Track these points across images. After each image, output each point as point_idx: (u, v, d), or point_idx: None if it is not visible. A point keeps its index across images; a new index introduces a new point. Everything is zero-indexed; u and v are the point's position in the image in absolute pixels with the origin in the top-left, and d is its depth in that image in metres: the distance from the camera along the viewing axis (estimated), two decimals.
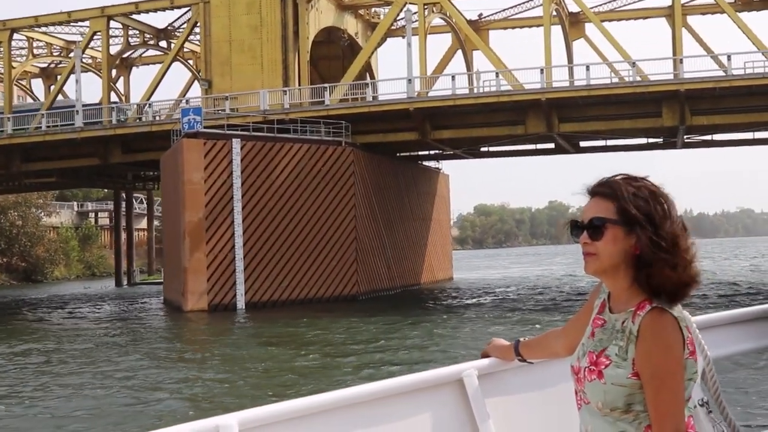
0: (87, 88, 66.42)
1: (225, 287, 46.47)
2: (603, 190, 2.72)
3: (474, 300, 49.43)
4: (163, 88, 60.69)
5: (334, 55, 65.82)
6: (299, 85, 55.26)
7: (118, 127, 56.18)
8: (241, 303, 46.57)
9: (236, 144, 47.03)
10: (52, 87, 68.90)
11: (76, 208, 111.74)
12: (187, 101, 54.44)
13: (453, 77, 52.43)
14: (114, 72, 72.91)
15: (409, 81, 51.88)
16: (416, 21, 55.54)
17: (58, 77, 68.46)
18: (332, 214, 49.56)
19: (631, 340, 2.64)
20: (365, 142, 53.22)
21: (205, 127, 47.90)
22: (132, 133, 55.97)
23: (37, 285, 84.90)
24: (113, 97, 69.55)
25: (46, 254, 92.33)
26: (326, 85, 54.08)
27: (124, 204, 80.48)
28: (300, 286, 48.46)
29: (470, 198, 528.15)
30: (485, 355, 3.67)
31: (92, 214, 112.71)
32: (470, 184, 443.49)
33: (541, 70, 50.96)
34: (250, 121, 50.32)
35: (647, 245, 2.61)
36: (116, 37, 64.95)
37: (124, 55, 70.01)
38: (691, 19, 61.23)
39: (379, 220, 54.48)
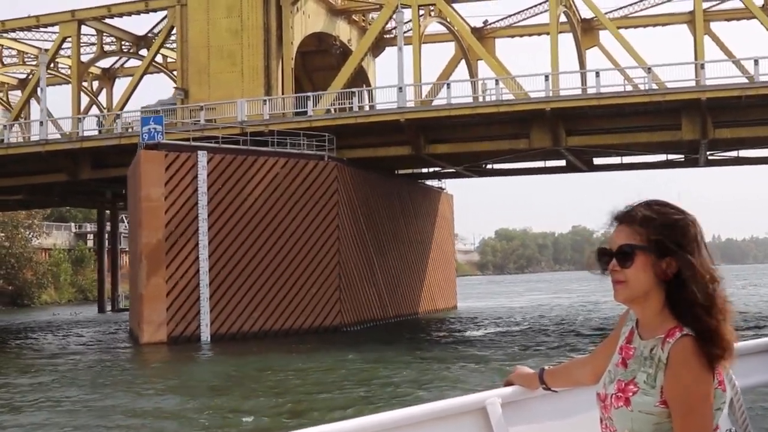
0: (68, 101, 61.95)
1: (187, 317, 41.48)
2: (630, 216, 2.71)
3: (473, 333, 44.39)
4: (149, 102, 55.82)
5: (329, 65, 60.97)
6: (282, 94, 50.47)
7: (85, 139, 51.48)
8: (205, 335, 41.56)
9: (202, 157, 42.17)
10: (31, 100, 64.32)
11: (73, 230, 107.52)
12: (157, 111, 49.58)
13: (448, 85, 47.46)
14: (96, 84, 68.74)
15: (400, 89, 46.86)
16: (410, 29, 50.90)
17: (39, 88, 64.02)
18: (312, 235, 44.59)
19: (660, 367, 2.63)
20: (353, 157, 48.38)
21: (170, 139, 43.20)
22: (101, 146, 51.18)
23: (23, 310, 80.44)
24: (94, 111, 65.40)
25: (33, 277, 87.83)
26: (309, 93, 49.28)
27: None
28: (275, 316, 43.44)
29: (492, 222, 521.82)
30: (509, 383, 3.59)
31: (90, 236, 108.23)
32: (492, 207, 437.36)
33: (546, 77, 45.85)
34: (227, 133, 45.63)
35: (678, 273, 2.62)
36: (92, 45, 60.44)
37: (100, 65, 65.66)
38: (715, 26, 55.99)
39: (368, 242, 49.41)
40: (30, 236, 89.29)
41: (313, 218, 44.65)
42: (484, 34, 60.04)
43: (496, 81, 47.34)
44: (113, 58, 66.30)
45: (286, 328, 43.31)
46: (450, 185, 66.64)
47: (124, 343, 43.53)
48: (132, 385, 26.38)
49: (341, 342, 39.55)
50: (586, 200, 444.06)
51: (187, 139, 43.68)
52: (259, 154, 44.07)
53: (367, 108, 50.70)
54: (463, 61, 60.97)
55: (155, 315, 40.74)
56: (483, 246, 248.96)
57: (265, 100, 48.73)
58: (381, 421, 3.18)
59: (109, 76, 68.39)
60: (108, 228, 75.51)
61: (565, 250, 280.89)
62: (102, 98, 68.08)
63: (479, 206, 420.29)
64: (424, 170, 60.64)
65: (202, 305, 41.58)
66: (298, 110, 49.08)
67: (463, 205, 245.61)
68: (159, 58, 63.66)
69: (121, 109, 53.63)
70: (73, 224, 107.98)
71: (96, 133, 53.78)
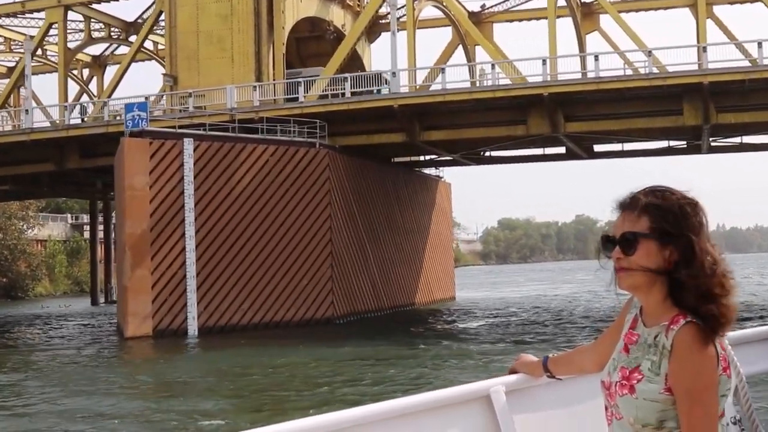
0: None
1: (174, 309, 40.21)
2: (633, 203, 2.71)
3: (468, 325, 43.13)
4: (140, 89, 54.64)
5: (324, 51, 59.58)
6: (274, 80, 49.15)
7: (71, 127, 50.21)
8: (193, 328, 40.30)
9: (188, 144, 40.84)
10: (21, 88, 62.99)
11: (70, 221, 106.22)
12: (146, 98, 48.28)
13: (443, 70, 46.03)
14: (87, 72, 67.48)
15: (393, 74, 45.56)
16: (404, 14, 49.57)
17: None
18: (303, 225, 43.31)
19: (664, 354, 2.63)
20: (346, 144, 47.11)
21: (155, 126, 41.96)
22: (88, 135, 49.84)
23: (17, 302, 79.16)
24: (85, 99, 64.14)
25: (27, 269, 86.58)
26: (300, 78, 47.92)
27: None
28: (264, 309, 42.19)
29: (495, 211, 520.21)
30: (513, 371, 3.58)
31: (87, 227, 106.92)
32: (495, 197, 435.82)
33: (544, 60, 44.47)
34: (216, 120, 44.42)
35: (681, 260, 2.61)
36: (80, 31, 59.13)
37: (91, 52, 64.37)
38: (718, 10, 54.48)
39: (361, 232, 48.12)
40: (24, 227, 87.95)
41: (304, 207, 43.40)
42: (481, 19, 58.70)
43: (492, 65, 45.98)
44: (103, 46, 65.07)
45: (276, 320, 42.11)
46: (452, 175, 65.74)
47: (110, 336, 42.28)
48: (105, 383, 25.14)
49: (333, 335, 38.43)
50: (591, 189, 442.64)
51: (173, 127, 42.39)
52: (248, 142, 42.81)
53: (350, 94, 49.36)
54: (460, 47, 59.70)
55: (140, 307, 39.51)
56: (486, 236, 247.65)
57: (255, 87, 47.44)
58: (385, 409, 3.17)
59: (99, 64, 67.12)
60: (101, 218, 74.25)
61: (568, 239, 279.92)
62: (93, 87, 66.80)
63: (482, 196, 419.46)
64: (422, 158, 59.25)
65: (189, 297, 40.33)
66: (289, 97, 47.81)
67: (466, 195, 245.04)
68: (150, 45, 62.47)
69: (109, 96, 52.29)
70: (69, 215, 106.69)
71: (80, 121, 52.51)
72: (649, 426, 2.63)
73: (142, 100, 46.41)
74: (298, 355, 31.22)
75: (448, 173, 64.66)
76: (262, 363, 29.24)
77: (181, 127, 43.20)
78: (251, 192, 42.22)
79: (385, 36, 60.54)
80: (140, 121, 40.74)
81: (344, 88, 46.80)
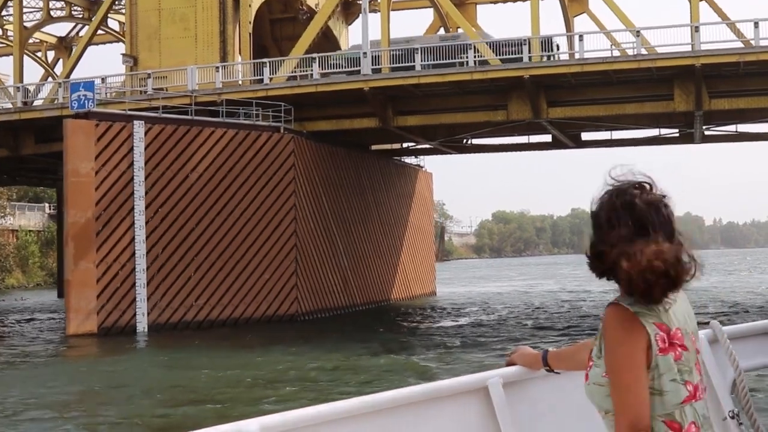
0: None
1: (121, 305, 37.22)
2: None
3: (443, 323, 40.31)
4: (108, 73, 51.50)
5: (300, 34, 56.50)
6: (241, 61, 46.22)
7: (23, 110, 47.18)
8: (142, 325, 37.35)
9: (139, 127, 37.83)
10: None
11: (48, 210, 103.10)
12: (103, 80, 45.40)
13: (418, 50, 42.94)
14: (52, 54, 64.52)
15: (365, 54, 42.56)
16: None
17: None
18: (265, 215, 40.39)
19: (601, 338, 2.64)
20: (316, 129, 44.26)
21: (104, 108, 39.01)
22: (42, 118, 46.82)
23: None
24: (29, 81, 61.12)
25: None
26: (266, 60, 44.96)
27: None
28: (222, 304, 39.26)
29: (489, 204, 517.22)
30: (511, 363, 3.58)
31: None
32: (489, 189, 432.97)
33: (525, 41, 41.49)
34: (177, 102, 41.54)
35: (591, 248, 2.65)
36: (39, 10, 56.14)
37: (56, 33, 61.26)
38: None
39: (330, 223, 45.15)
40: None
41: (266, 196, 40.48)
42: (463, 0, 55.70)
43: (473, 47, 42.83)
44: (68, 26, 62.07)
45: (235, 317, 39.23)
46: (444, 166, 63.26)
47: (53, 334, 39.13)
48: (6, 394, 22.13)
49: (294, 333, 35.62)
50: (587, 183, 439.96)
51: (123, 109, 39.46)
52: (205, 125, 39.83)
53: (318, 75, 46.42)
54: (442, 30, 56.79)
55: (83, 303, 36.54)
56: (479, 229, 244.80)
57: (218, 68, 44.46)
58: (382, 400, 3.17)
59: (65, 46, 64.08)
60: None
61: (563, 233, 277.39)
62: (59, 70, 63.74)
63: (476, 188, 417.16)
64: (403, 146, 56.32)
65: (138, 292, 37.36)
66: (256, 78, 44.89)
67: (460, 187, 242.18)
68: (116, 26, 59.52)
69: (67, 77, 49.26)
70: (47, 205, 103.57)
71: (38, 104, 49.56)
72: (609, 413, 2.58)
73: (98, 80, 43.61)
74: (254, 356, 28.50)
75: (439, 165, 62.67)
76: (207, 367, 26.33)
77: (138, 109, 40.30)
78: (208, 179, 39.30)
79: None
80: (87, 101, 37.69)
81: (313, 70, 43.81)
